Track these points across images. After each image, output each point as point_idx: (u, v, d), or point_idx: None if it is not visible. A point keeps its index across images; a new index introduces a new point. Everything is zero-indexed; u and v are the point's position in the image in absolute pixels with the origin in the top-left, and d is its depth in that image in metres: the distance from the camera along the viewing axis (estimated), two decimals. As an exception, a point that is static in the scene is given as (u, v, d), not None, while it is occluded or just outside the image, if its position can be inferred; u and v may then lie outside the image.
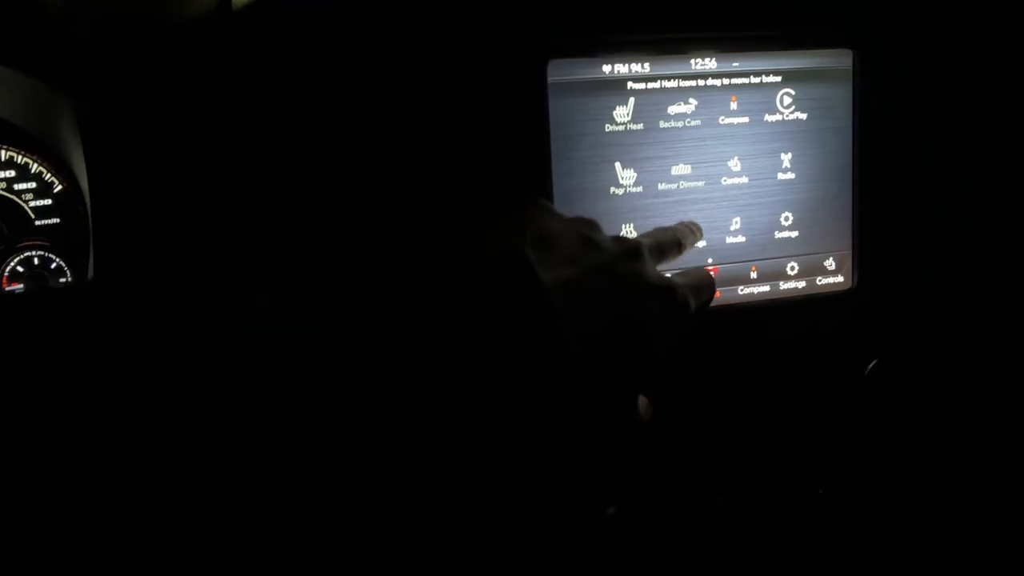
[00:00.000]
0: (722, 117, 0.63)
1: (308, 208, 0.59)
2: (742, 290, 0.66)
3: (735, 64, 0.63)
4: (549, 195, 0.60)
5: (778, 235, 0.66)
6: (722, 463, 0.69)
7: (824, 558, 0.70)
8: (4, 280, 0.65)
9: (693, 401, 0.65)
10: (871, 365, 0.69)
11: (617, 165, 0.62)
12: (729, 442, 0.68)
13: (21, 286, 0.65)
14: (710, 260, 0.65)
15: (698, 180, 0.63)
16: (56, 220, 0.68)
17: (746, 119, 0.64)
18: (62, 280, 0.66)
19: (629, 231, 0.63)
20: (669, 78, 0.62)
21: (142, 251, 0.62)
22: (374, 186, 0.59)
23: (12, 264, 0.65)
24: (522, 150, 0.59)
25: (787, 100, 0.65)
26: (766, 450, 0.69)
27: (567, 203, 0.61)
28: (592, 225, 0.39)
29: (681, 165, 0.63)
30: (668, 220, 0.63)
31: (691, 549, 0.69)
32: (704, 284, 0.43)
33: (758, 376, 0.67)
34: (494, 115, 0.59)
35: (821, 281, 0.68)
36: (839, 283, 0.68)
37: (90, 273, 0.67)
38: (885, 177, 0.67)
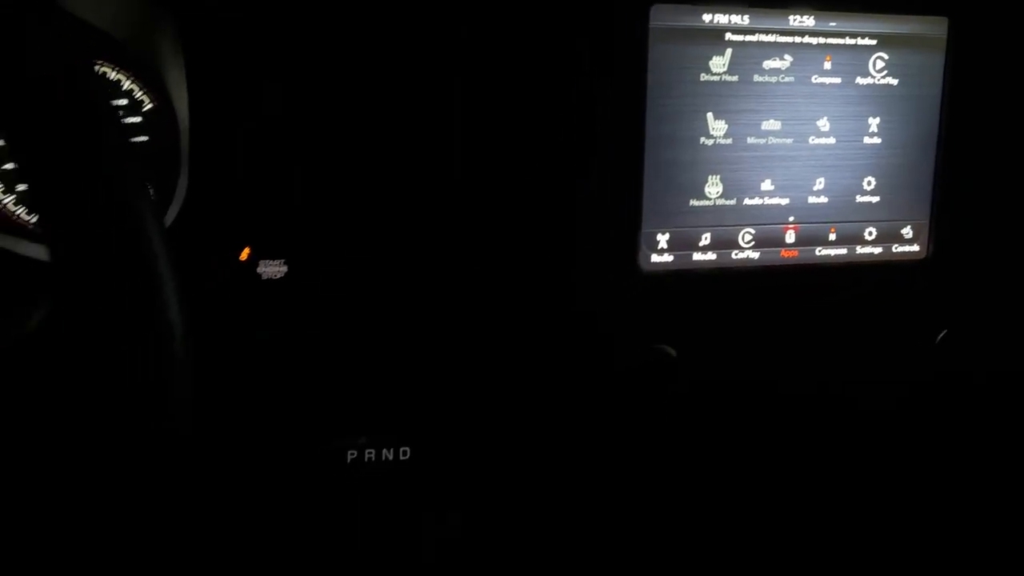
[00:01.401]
0: (815, 76, 0.63)
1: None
2: (819, 251, 0.66)
3: (832, 24, 0.63)
4: (641, 140, 0.60)
5: (859, 199, 0.66)
6: (777, 421, 0.69)
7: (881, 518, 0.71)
8: (91, 193, 0.66)
9: (757, 358, 0.66)
10: (941, 335, 0.69)
11: (709, 115, 0.62)
12: (788, 398, 0.68)
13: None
14: (791, 219, 0.65)
15: (786, 137, 0.64)
16: (144, 138, 0.68)
17: (838, 80, 0.64)
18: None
19: (715, 182, 0.63)
20: (767, 32, 0.62)
21: (232, 175, 0.63)
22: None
23: (99, 178, 0.66)
24: (619, 94, 0.60)
25: (880, 64, 0.65)
26: (821, 410, 0.70)
27: (657, 150, 0.61)
28: None
29: (771, 120, 0.63)
30: (754, 174, 0.64)
31: (741, 507, 0.70)
32: None
33: (827, 338, 0.67)
34: (595, 57, 0.59)
35: (897, 249, 0.68)
36: (914, 252, 0.68)
37: (179, 191, 0.67)
38: (969, 150, 0.67)
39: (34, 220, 0.66)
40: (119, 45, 0.67)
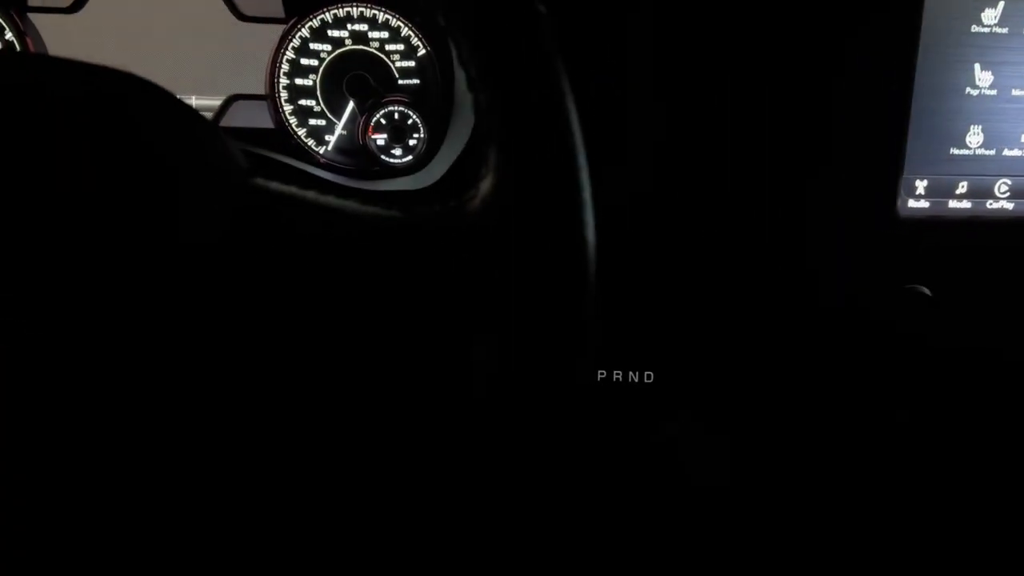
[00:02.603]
0: (1084, 30, 0.64)
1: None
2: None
3: (1106, -22, 0.63)
4: (909, 88, 0.63)
5: (1118, 155, 0.66)
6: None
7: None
8: (370, 129, 0.73)
9: (1005, 315, 0.67)
10: None
11: (976, 67, 0.63)
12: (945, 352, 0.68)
13: (384, 136, 0.73)
14: (1047, 173, 0.66)
15: (1051, 90, 0.64)
16: (417, 81, 0.75)
17: (1107, 35, 0.64)
18: (415, 136, 0.74)
19: (977, 132, 0.65)
20: (1041, -15, 0.63)
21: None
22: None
23: (377, 116, 0.73)
24: (892, 43, 0.62)
25: None
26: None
27: (923, 99, 0.63)
28: None
29: (1037, 73, 0.64)
30: (1016, 126, 0.65)
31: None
32: None
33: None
34: (872, 7, 0.62)
35: None
36: None
37: (447, 132, 0.74)
38: None
39: (321, 150, 0.74)
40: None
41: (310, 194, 0.35)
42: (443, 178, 0.63)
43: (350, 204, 0.35)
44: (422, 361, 0.35)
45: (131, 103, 0.32)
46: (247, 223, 0.34)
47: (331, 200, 0.35)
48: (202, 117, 0.35)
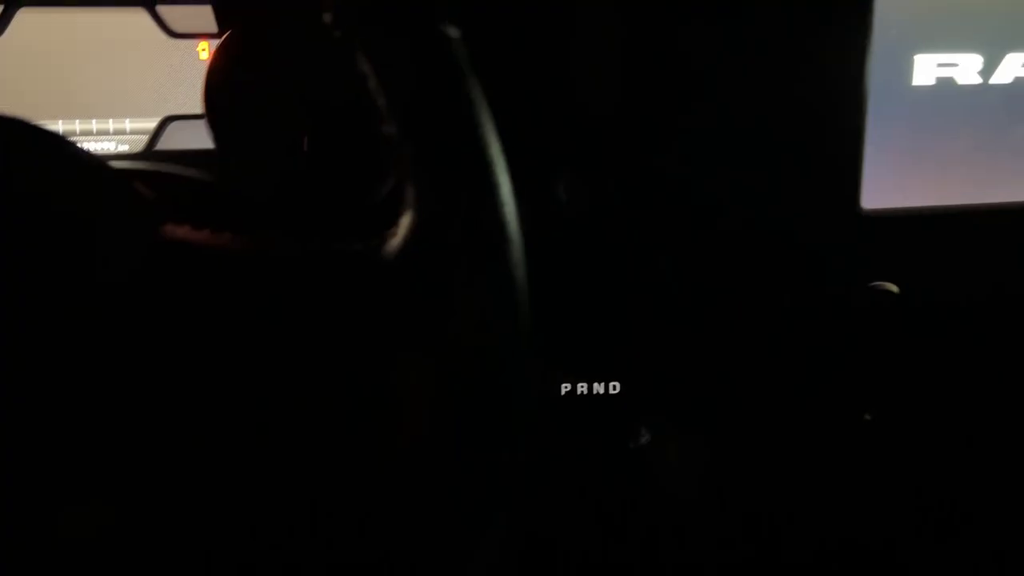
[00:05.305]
0: None
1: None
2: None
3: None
4: (864, 88, 0.61)
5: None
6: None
7: None
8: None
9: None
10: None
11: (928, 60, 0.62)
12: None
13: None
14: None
15: None
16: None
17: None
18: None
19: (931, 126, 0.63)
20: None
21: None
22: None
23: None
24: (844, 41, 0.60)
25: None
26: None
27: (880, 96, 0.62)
28: None
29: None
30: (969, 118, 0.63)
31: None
32: None
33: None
34: None
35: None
36: None
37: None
38: None
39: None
40: None
41: (224, 238, 0.33)
42: (365, 214, 0.61)
43: (267, 246, 0.33)
44: (353, 402, 0.33)
45: (14, 154, 0.30)
46: (156, 274, 0.31)
47: (246, 244, 0.33)
48: (102, 164, 0.33)
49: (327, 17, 0.31)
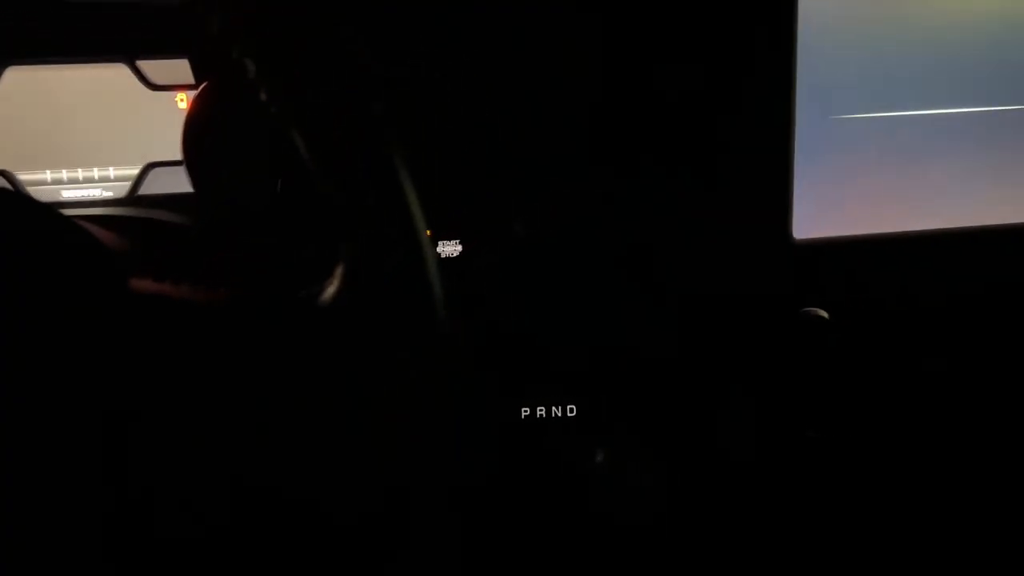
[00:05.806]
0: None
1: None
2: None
3: None
4: (791, 116, 0.65)
5: None
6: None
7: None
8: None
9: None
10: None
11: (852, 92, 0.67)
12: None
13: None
14: None
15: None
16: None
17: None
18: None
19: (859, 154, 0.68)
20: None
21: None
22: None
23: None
24: (769, 70, 0.65)
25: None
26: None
27: (805, 126, 0.66)
28: None
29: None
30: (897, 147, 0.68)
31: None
32: None
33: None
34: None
35: None
36: None
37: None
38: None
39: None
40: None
41: (183, 289, 0.37)
42: (306, 265, 0.66)
43: (221, 297, 0.37)
44: (300, 425, 0.37)
45: None
46: (119, 323, 0.36)
47: (201, 293, 0.37)
48: (67, 221, 0.37)
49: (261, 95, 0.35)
